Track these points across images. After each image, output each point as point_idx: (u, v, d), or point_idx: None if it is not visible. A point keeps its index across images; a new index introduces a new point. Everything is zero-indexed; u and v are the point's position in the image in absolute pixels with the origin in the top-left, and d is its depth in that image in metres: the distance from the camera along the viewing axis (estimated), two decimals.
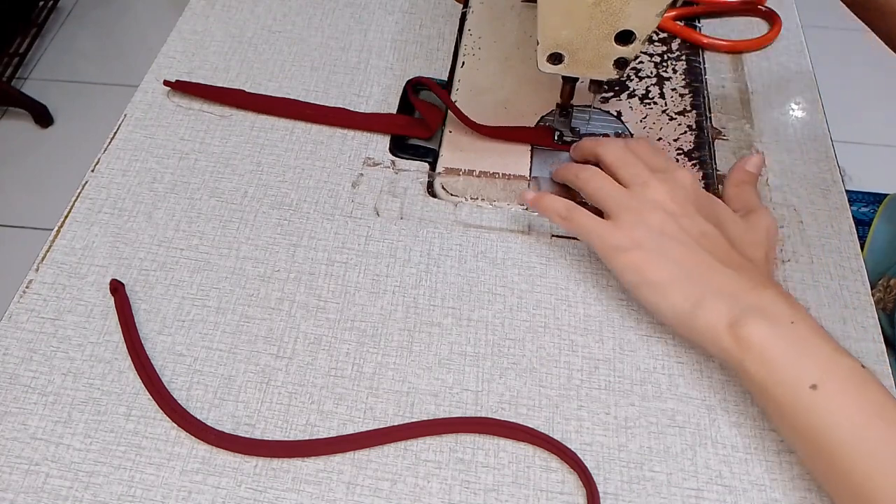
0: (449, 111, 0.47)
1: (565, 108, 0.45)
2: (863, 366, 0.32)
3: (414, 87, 0.49)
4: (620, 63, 0.39)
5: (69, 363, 0.38)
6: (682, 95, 0.50)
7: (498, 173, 0.45)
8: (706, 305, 0.34)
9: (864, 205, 0.64)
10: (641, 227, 0.37)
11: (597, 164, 0.41)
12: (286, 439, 0.36)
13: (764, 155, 0.47)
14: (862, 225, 0.62)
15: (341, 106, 0.49)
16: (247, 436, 0.36)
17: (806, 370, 0.32)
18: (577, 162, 0.44)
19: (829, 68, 1.55)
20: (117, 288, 0.40)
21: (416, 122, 0.48)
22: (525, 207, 0.44)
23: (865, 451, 0.30)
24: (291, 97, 0.50)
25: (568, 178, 0.42)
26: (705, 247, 0.36)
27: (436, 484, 0.35)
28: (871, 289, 0.41)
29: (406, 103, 0.50)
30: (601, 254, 0.38)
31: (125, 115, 0.49)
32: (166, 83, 0.50)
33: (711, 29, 0.54)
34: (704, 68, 0.52)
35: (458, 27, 0.54)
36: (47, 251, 0.43)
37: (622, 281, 0.37)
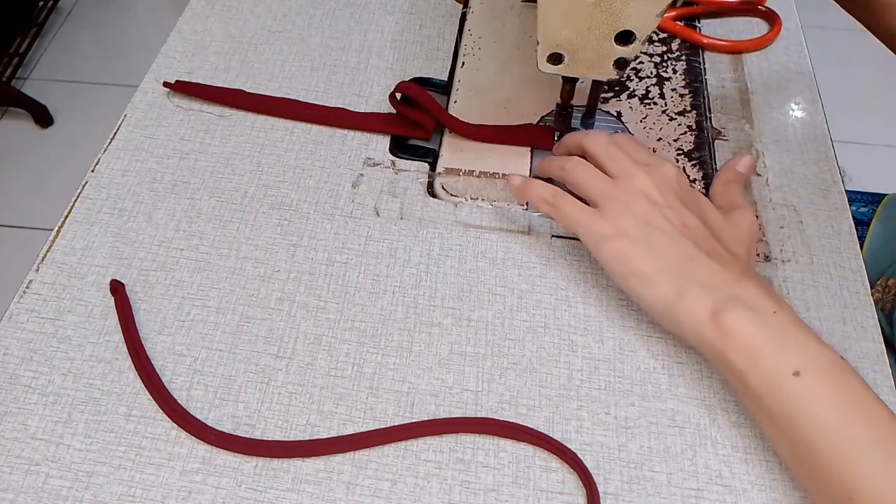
0: (445, 116, 0.47)
1: (565, 108, 0.45)
2: (842, 357, 0.33)
3: (403, 97, 0.48)
4: (620, 63, 0.39)
5: (69, 363, 0.38)
6: (682, 95, 0.50)
7: (498, 173, 0.45)
8: (689, 295, 0.35)
9: (864, 205, 0.64)
10: (627, 216, 0.37)
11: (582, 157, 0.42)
12: (286, 439, 0.36)
13: (760, 155, 0.47)
14: (861, 225, 0.62)
15: (341, 106, 0.49)
16: (247, 436, 0.36)
17: (788, 359, 0.32)
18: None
19: (829, 68, 1.55)
20: (117, 288, 0.40)
21: (414, 122, 0.48)
22: (525, 207, 0.44)
23: (845, 440, 0.30)
24: (291, 97, 0.50)
25: (552, 171, 0.42)
26: (689, 237, 0.36)
27: (436, 484, 0.35)
28: (870, 289, 0.41)
29: (406, 102, 0.50)
30: (587, 242, 0.38)
31: (125, 116, 0.49)
32: (166, 84, 0.50)
33: (711, 29, 0.54)
34: (704, 68, 0.52)
35: (458, 27, 0.54)
36: (47, 251, 0.43)
37: (607, 270, 0.38)
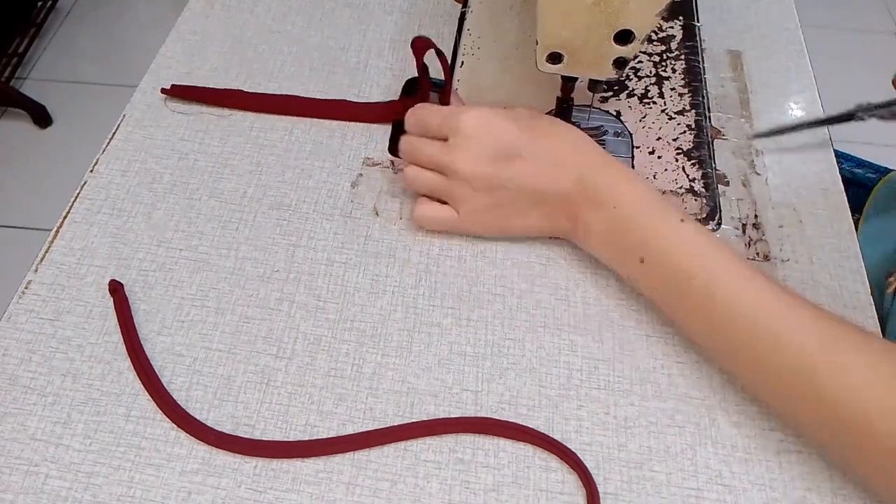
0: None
1: (566, 101, 0.45)
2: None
3: (408, 85, 0.48)
4: (619, 63, 0.39)
5: (68, 364, 0.38)
6: (681, 95, 0.49)
7: None
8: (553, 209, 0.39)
9: (873, 171, 0.62)
10: (474, 200, 0.40)
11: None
12: (286, 440, 0.36)
13: (759, 154, 0.46)
14: (866, 188, 0.60)
15: None
16: (246, 436, 0.36)
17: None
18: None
19: (829, 68, 1.55)
20: (116, 288, 0.40)
21: None
22: None
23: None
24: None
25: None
26: (518, 182, 0.39)
27: (436, 484, 0.35)
28: None
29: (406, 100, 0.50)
30: (456, 231, 0.42)
31: (124, 116, 0.49)
32: (163, 91, 0.50)
33: (711, 29, 0.54)
34: (704, 67, 0.51)
35: (457, 27, 0.54)
36: (46, 251, 0.43)
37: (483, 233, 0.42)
